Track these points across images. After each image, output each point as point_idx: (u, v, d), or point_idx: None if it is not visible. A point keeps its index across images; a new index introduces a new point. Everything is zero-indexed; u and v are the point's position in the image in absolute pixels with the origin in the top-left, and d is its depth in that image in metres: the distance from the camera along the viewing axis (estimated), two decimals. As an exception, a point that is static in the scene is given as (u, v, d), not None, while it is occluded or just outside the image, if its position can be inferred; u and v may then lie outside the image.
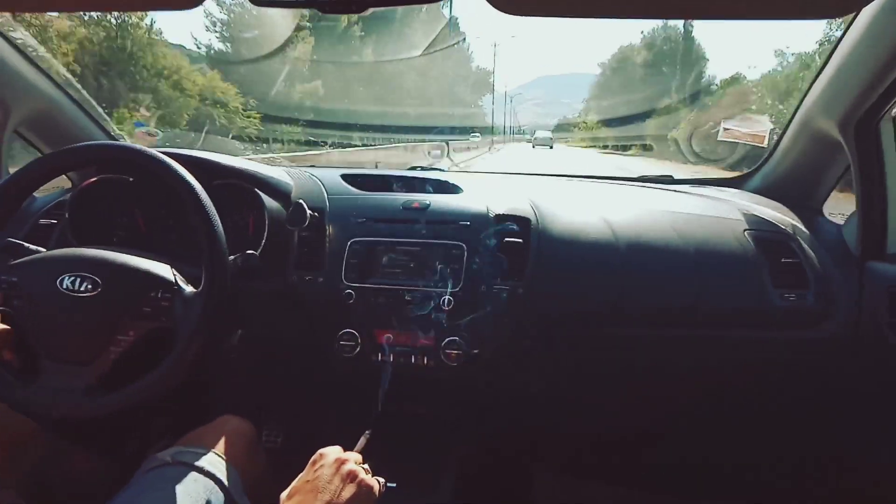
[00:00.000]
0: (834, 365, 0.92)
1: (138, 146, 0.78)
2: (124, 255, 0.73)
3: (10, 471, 0.82)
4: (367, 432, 0.76)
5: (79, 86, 1.13)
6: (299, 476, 0.63)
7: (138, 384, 0.70)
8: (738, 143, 1.21)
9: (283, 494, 0.61)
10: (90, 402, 0.69)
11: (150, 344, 0.72)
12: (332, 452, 0.64)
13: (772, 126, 1.14)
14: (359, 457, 0.67)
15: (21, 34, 0.99)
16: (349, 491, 0.60)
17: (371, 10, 0.37)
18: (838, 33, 0.87)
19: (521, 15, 0.38)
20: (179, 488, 0.62)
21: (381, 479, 0.66)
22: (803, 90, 0.97)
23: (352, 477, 0.61)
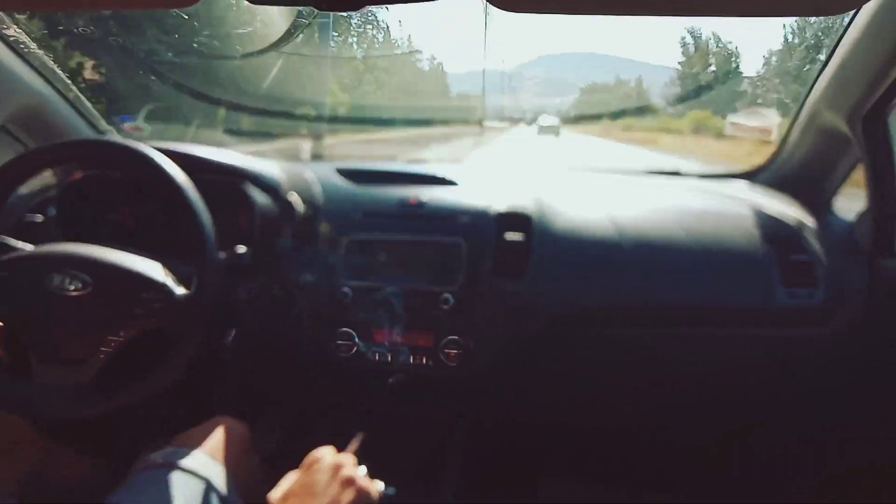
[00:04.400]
0: (842, 362, 0.91)
1: (122, 140, 0.76)
2: (115, 253, 0.71)
3: (7, 472, 0.81)
4: (359, 433, 0.75)
5: (68, 80, 1.10)
6: (292, 478, 0.62)
7: (130, 385, 0.69)
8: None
9: (275, 495, 0.60)
10: (81, 402, 0.68)
11: (143, 344, 0.71)
12: (328, 455, 0.63)
13: (780, 119, 1.11)
14: (353, 458, 0.66)
15: (13, 31, 0.97)
16: (347, 496, 0.59)
17: (367, 7, 0.36)
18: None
19: (518, 11, 0.37)
20: (171, 490, 0.61)
21: (380, 483, 0.65)
22: (808, 83, 0.95)
23: (349, 481, 0.61)
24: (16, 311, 0.69)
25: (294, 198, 0.91)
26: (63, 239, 0.78)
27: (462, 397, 0.97)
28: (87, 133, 1.14)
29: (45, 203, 0.98)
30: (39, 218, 0.96)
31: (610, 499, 1.17)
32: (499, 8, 0.36)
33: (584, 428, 1.10)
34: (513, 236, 0.89)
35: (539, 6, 0.40)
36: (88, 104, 1.15)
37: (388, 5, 0.32)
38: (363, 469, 0.65)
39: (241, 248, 0.80)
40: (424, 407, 0.98)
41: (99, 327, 0.69)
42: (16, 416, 0.76)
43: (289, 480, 0.62)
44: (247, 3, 0.34)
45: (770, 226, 0.93)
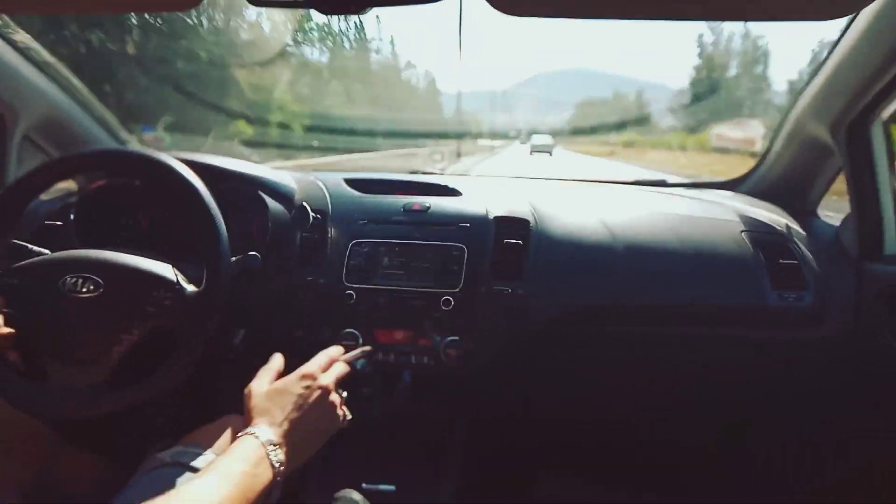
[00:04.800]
0: (832, 365, 0.93)
1: (144, 150, 0.79)
2: (126, 255, 0.73)
3: (14, 471, 0.82)
4: (364, 348, 0.77)
5: (86, 90, 1.14)
6: (283, 378, 0.64)
7: (142, 383, 0.71)
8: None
9: (258, 388, 0.63)
10: (95, 401, 0.70)
11: (154, 343, 0.73)
12: (319, 374, 0.65)
13: (764, 130, 1.15)
14: (345, 368, 0.69)
15: (26, 38, 1.00)
16: (323, 420, 0.63)
17: (370, 9, 0.38)
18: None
19: (521, 16, 0.38)
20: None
21: (349, 415, 0.68)
22: (794, 95, 0.99)
23: (331, 408, 0.64)
24: (32, 314, 0.71)
25: (305, 205, 0.94)
26: (81, 244, 0.80)
27: (462, 396, 0.99)
28: (108, 142, 1.18)
29: (65, 209, 1.02)
30: (59, 223, 0.99)
31: (608, 497, 1.18)
32: (499, 11, 0.37)
33: (583, 427, 1.12)
34: (511, 241, 0.92)
35: (536, 10, 0.41)
36: (108, 114, 1.19)
37: (387, 7, 0.34)
38: (344, 394, 0.69)
39: (253, 253, 0.82)
40: (425, 405, 0.99)
41: (111, 327, 0.71)
42: (23, 415, 0.77)
43: (270, 375, 0.64)
44: (249, 5, 0.36)
45: (756, 231, 0.96)
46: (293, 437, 0.59)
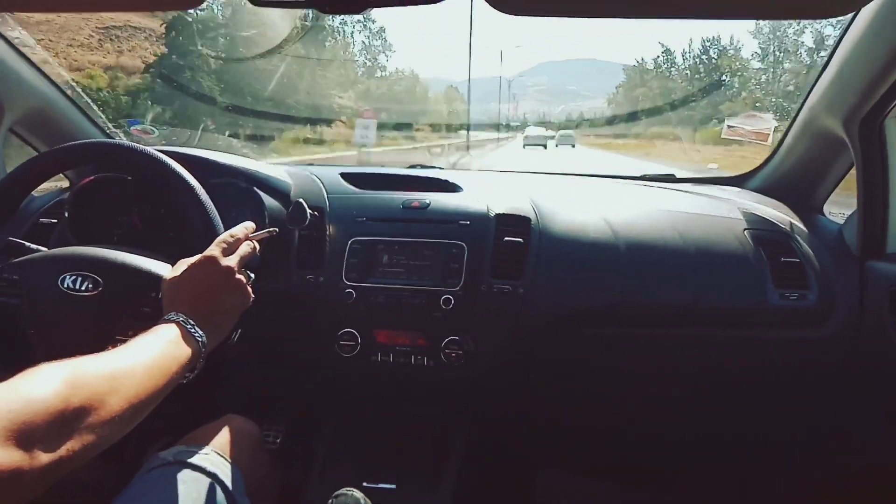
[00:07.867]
0: (835, 364, 0.92)
1: (137, 145, 0.78)
2: (125, 254, 0.72)
3: None
4: (272, 229, 0.76)
5: (74, 83, 1.12)
6: (190, 266, 0.65)
7: None
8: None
9: (166, 282, 0.65)
10: None
11: None
12: (221, 257, 0.66)
13: (776, 124, 1.13)
14: (250, 248, 0.69)
15: (18, 33, 0.98)
16: (229, 299, 0.65)
17: (371, 9, 0.37)
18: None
19: (519, 15, 0.37)
20: (181, 488, 0.62)
21: (252, 296, 0.69)
22: (807, 87, 0.97)
23: (237, 286, 0.66)
24: (28, 311, 0.70)
25: (302, 202, 0.93)
26: (76, 241, 0.79)
27: (462, 396, 0.98)
28: (95, 135, 1.16)
29: (58, 206, 1.00)
30: (54, 221, 0.98)
31: (610, 496, 1.18)
32: (498, 10, 0.37)
33: (584, 427, 1.11)
34: (512, 239, 0.91)
35: (537, 9, 0.40)
36: (95, 107, 1.17)
37: (388, 7, 0.33)
38: (251, 275, 0.70)
39: None
40: (425, 405, 0.99)
41: (108, 326, 0.69)
42: None
43: (182, 268, 0.66)
44: (249, 4, 0.35)
45: (760, 228, 0.95)
46: (205, 316, 0.62)
